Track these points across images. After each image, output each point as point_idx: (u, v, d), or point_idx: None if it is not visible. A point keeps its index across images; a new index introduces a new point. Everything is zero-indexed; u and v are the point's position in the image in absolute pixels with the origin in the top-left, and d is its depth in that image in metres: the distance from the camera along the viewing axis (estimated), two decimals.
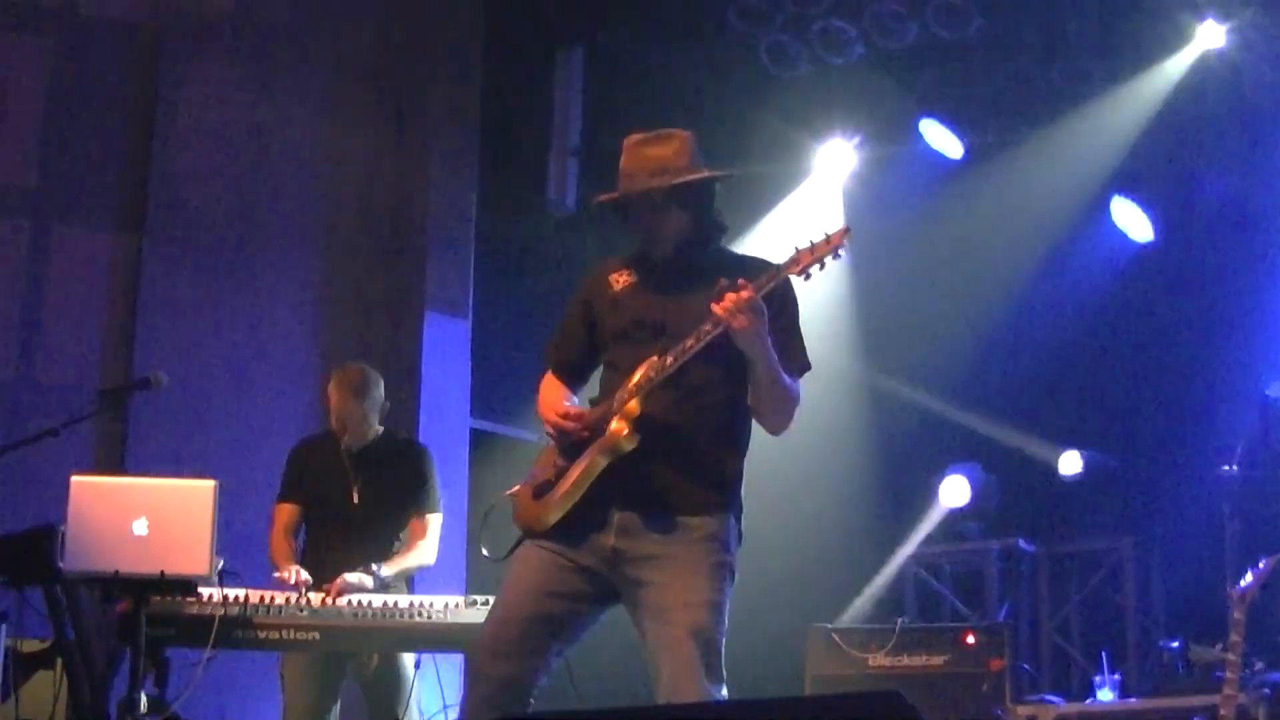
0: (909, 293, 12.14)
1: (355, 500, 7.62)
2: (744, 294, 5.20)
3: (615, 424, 5.39)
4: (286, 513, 7.72)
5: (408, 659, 7.42)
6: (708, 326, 5.29)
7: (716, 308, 5.23)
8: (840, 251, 5.23)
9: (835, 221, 5.22)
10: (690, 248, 5.64)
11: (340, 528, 7.57)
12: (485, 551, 5.78)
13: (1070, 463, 11.46)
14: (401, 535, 7.70)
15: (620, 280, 5.73)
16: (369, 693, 7.48)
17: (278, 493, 7.80)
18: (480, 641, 5.52)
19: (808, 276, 5.29)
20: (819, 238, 5.25)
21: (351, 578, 7.16)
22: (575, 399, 5.73)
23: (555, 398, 5.71)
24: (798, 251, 5.28)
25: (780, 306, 5.51)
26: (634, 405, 5.39)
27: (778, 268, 5.31)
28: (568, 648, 5.56)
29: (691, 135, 5.70)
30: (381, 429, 7.85)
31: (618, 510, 5.44)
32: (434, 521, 7.69)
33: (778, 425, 5.55)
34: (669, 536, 5.38)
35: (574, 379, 5.84)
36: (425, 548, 7.62)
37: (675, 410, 5.44)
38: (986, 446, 11.92)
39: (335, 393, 7.75)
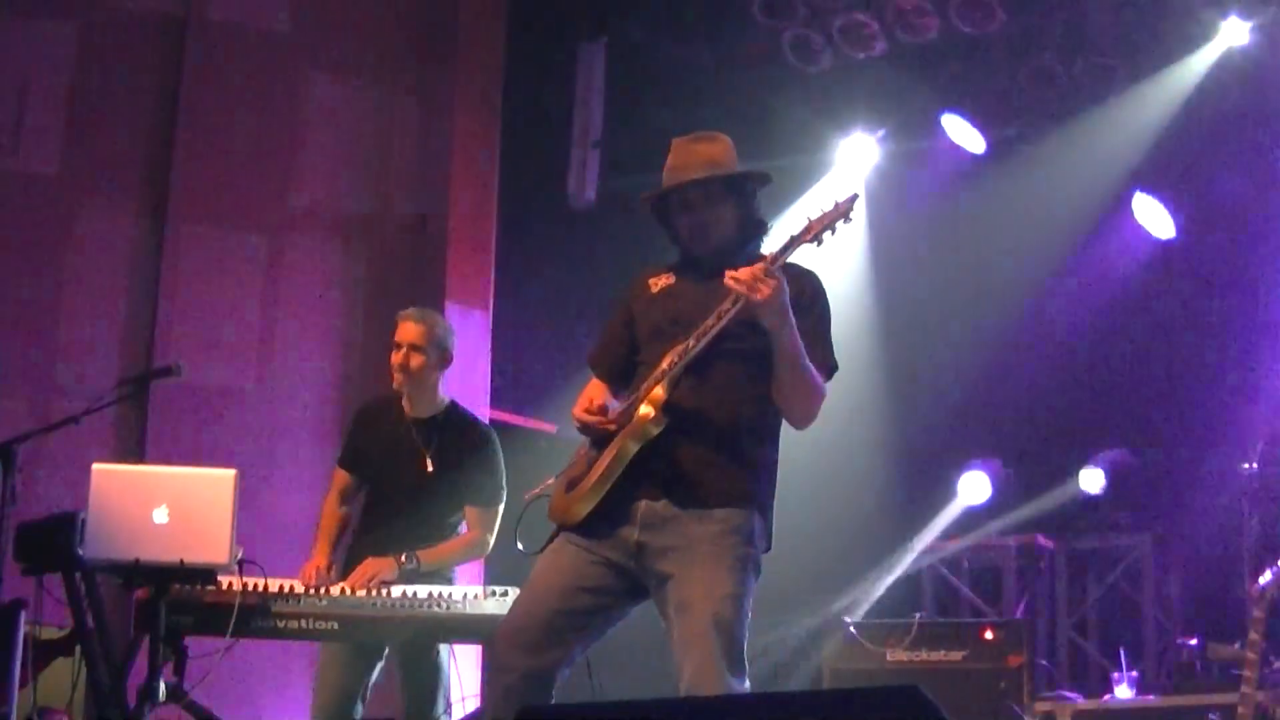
0: (930, 287, 12.14)
1: (430, 468, 7.39)
2: (757, 265, 5.25)
3: (643, 409, 5.42)
4: (342, 480, 7.58)
5: (445, 652, 7.34)
6: (726, 305, 5.34)
7: (729, 280, 5.26)
8: (849, 216, 5.34)
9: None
10: (732, 247, 5.67)
11: (408, 499, 7.37)
12: (520, 546, 5.79)
13: (1093, 479, 11.43)
14: (459, 518, 7.59)
15: (659, 283, 5.81)
16: (406, 685, 7.39)
17: (338, 456, 7.71)
18: (504, 633, 5.54)
19: (819, 242, 5.36)
20: (828, 205, 5.35)
21: (381, 561, 7.12)
22: (615, 402, 5.74)
23: (588, 395, 5.73)
24: (809, 221, 5.37)
25: (810, 302, 5.59)
26: (660, 391, 5.43)
27: (792, 239, 5.37)
28: (592, 642, 5.59)
29: (730, 140, 5.80)
30: (448, 400, 7.65)
31: (643, 501, 5.47)
32: (494, 514, 7.46)
33: (800, 415, 5.58)
34: (692, 529, 5.41)
35: (616, 382, 5.85)
36: (475, 541, 7.43)
37: (703, 402, 5.47)
38: (1007, 442, 11.92)
39: (398, 324, 7.46)
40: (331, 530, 7.48)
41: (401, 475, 7.48)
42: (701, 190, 5.63)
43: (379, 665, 7.40)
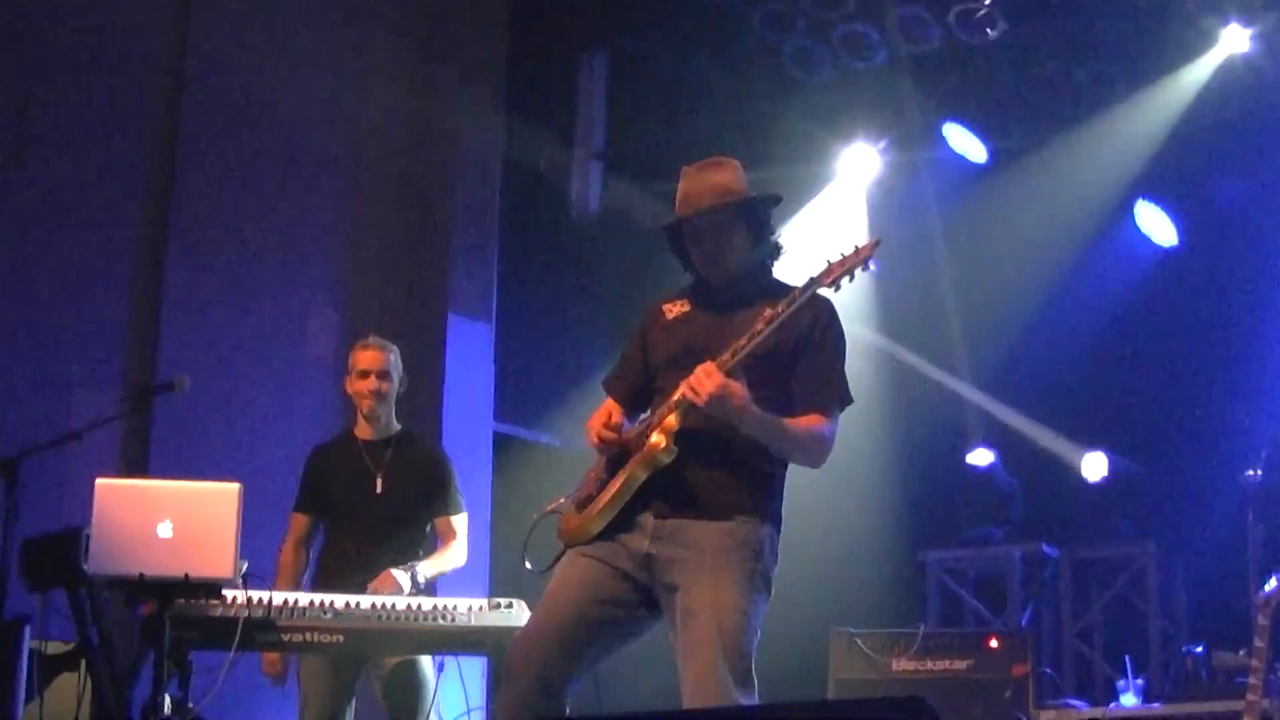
0: (933, 297, 12.14)
1: (379, 490, 7.56)
2: (706, 368, 5.30)
3: (654, 437, 5.44)
4: (300, 523, 7.68)
5: (427, 662, 7.41)
6: (742, 341, 5.36)
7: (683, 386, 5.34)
8: (870, 263, 5.34)
9: (864, 233, 5.29)
10: (746, 273, 5.70)
11: (363, 521, 7.50)
12: (528, 565, 5.80)
13: (1095, 466, 11.43)
14: (427, 535, 7.67)
15: (674, 310, 5.82)
16: (389, 695, 7.45)
17: (294, 502, 7.78)
18: (519, 643, 5.55)
19: (837, 287, 5.37)
20: (849, 250, 5.34)
21: (399, 575, 7.17)
22: (628, 424, 5.75)
23: (602, 416, 5.73)
24: (829, 264, 5.36)
25: (820, 335, 5.59)
26: (673, 420, 5.44)
27: (807, 283, 5.39)
28: (606, 654, 5.58)
29: (738, 163, 5.81)
30: (400, 426, 7.83)
31: (653, 516, 5.48)
32: (461, 521, 7.66)
33: (806, 464, 5.62)
34: (700, 540, 5.41)
35: (631, 407, 5.86)
36: (458, 548, 7.61)
37: (713, 422, 5.44)
38: (1011, 451, 11.92)
39: (358, 348, 7.73)
40: (291, 577, 7.58)
41: (355, 501, 7.64)
42: (712, 219, 5.64)
43: (363, 674, 7.46)
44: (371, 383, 7.65)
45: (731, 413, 5.32)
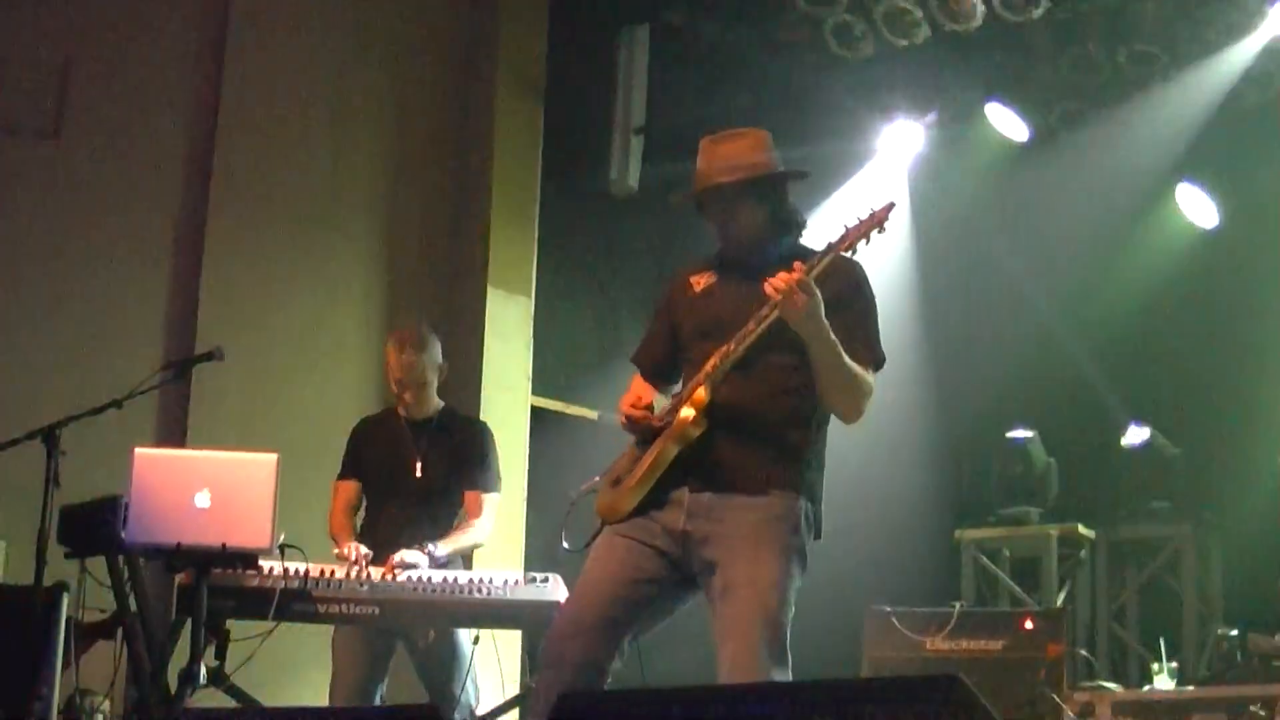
0: (972, 274, 12.12)
1: (417, 473, 7.53)
2: (793, 275, 5.23)
3: (684, 411, 5.43)
4: (346, 490, 7.66)
5: (464, 635, 7.40)
6: (765, 310, 5.34)
7: (768, 288, 5.26)
8: (885, 225, 5.32)
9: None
10: (766, 244, 5.66)
11: (401, 501, 7.48)
12: (566, 544, 5.79)
13: (1135, 432, 11.44)
14: (461, 511, 7.65)
15: (700, 281, 5.79)
16: (423, 668, 7.44)
17: (339, 471, 7.78)
18: (558, 627, 5.53)
19: (854, 251, 5.37)
20: (864, 214, 5.33)
21: (408, 556, 7.14)
22: (660, 399, 5.75)
23: (635, 392, 5.73)
24: (846, 229, 5.34)
25: (852, 295, 5.57)
26: (702, 393, 5.44)
27: (828, 247, 5.36)
28: (644, 633, 5.56)
29: (766, 133, 5.74)
30: (442, 404, 7.80)
31: (688, 491, 5.47)
32: (491, 500, 7.58)
33: (845, 412, 5.55)
34: (736, 516, 5.39)
35: (660, 380, 5.86)
36: (480, 526, 7.52)
37: (745, 394, 5.46)
38: (1048, 430, 11.90)
39: (393, 351, 7.63)
40: (349, 536, 7.52)
41: (394, 479, 7.62)
42: (720, 194, 5.61)
43: (397, 647, 7.45)
44: (409, 389, 7.64)
45: (813, 325, 5.30)
